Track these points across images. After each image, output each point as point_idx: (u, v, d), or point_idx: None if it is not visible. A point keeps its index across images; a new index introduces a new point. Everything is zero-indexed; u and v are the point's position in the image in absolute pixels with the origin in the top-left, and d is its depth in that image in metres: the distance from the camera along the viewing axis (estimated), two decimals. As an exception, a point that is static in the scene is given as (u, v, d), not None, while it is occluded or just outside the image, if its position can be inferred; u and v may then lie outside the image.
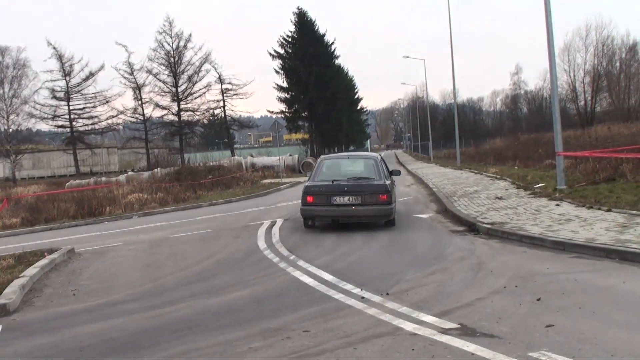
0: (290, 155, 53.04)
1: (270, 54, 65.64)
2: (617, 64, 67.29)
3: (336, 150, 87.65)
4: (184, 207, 24.92)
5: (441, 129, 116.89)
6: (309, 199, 14.06)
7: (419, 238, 12.07)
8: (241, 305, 7.68)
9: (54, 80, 57.77)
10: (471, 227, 12.72)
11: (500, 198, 17.00)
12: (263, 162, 49.24)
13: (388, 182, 14.26)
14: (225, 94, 60.91)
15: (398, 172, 16.72)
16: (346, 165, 15.92)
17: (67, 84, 58.16)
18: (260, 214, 19.22)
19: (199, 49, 59.74)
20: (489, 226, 12.11)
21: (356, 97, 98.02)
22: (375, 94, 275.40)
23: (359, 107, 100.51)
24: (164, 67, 56.89)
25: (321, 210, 13.99)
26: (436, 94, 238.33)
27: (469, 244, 10.91)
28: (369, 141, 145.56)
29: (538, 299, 6.81)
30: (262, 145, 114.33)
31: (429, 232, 12.75)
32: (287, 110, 67.32)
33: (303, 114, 68.18)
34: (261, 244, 12.77)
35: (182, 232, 16.25)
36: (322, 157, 16.79)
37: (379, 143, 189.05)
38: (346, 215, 13.88)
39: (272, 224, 15.93)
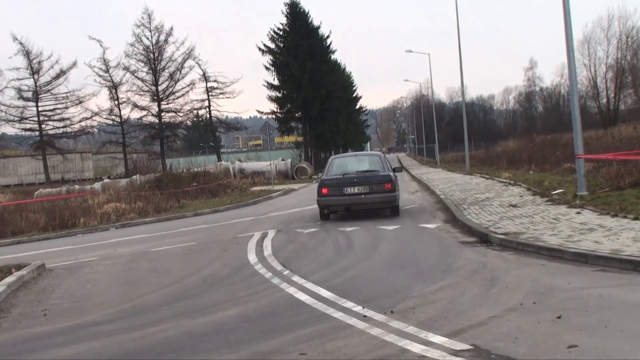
0: (283, 160, 53.08)
1: (260, 49, 65.72)
2: (644, 58, 67.37)
3: (333, 154, 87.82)
4: (166, 218, 24.90)
5: (448, 130, 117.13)
6: (324, 190, 17.99)
7: (426, 250, 12.06)
8: (230, 325, 7.65)
9: (21, 79, 57.92)
10: (483, 238, 12.70)
11: (514, 206, 17.00)
12: (252, 167, 49.27)
13: (391, 173, 18.23)
14: (210, 93, 61.05)
15: (400, 169, 21.10)
16: (354, 162, 19.83)
17: (36, 83, 58.26)
18: (250, 225, 19.20)
19: (181, 43, 59.77)
20: (502, 237, 12.10)
21: (354, 95, 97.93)
22: (376, 92, 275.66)
23: (357, 107, 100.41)
24: (142, 64, 57.08)
25: (335, 199, 17.89)
26: (442, 92, 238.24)
27: (481, 257, 10.89)
28: (368, 144, 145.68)
29: (559, 317, 6.79)
30: (252, 149, 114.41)
31: (437, 244, 12.73)
32: (278, 110, 67.32)
33: (296, 114, 68.16)
34: (252, 257, 12.75)
35: (165, 245, 16.22)
36: (332, 157, 21.08)
37: (380, 146, 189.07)
38: (356, 203, 17.79)
39: (264, 236, 15.91)
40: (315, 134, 68.10)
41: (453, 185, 27.55)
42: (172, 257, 13.97)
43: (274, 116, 67.47)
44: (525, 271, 9.39)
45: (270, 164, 43.83)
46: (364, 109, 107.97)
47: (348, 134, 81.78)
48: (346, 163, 19.76)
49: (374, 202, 17.75)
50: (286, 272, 10.80)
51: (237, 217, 22.57)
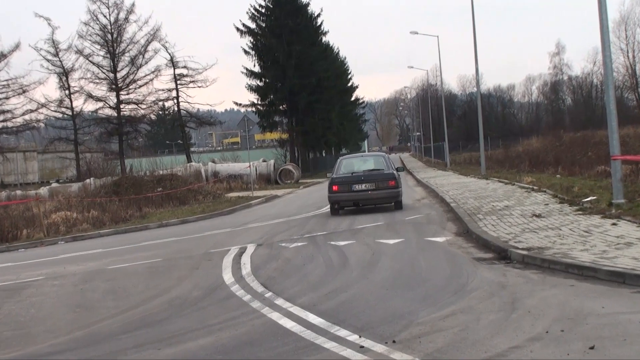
0: (264, 161, 53.05)
1: (238, 29, 65.78)
2: (690, 41, 67.69)
3: (324, 155, 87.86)
4: (125, 230, 24.87)
5: (460, 126, 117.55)
6: (335, 188, 23.05)
7: (434, 268, 12.06)
8: (202, 357, 7.63)
9: (-49, 65, 57.38)
10: (501, 254, 12.72)
11: (538, 216, 17.04)
12: (228, 169, 49.25)
13: (395, 172, 23.55)
14: (179, 81, 60.89)
15: (402, 169, 27.79)
16: (360, 162, 25.60)
17: (-31, 69, 57.79)
18: (225, 238, 19.21)
19: (144, 22, 59.42)
20: (524, 252, 12.11)
21: (350, 84, 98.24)
22: (375, 81, 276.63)
23: (353, 98, 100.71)
24: (98, 46, 56.74)
25: (344, 195, 23.09)
26: (453, 82, 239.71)
27: (499, 276, 10.90)
28: (366, 142, 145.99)
29: (592, 347, 6.80)
30: (227, 148, 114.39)
31: (447, 261, 12.74)
32: (259, 101, 67.35)
33: (280, 107, 68.20)
34: (227, 277, 12.74)
35: (124, 262, 16.20)
36: (340, 158, 26.81)
37: (380, 144, 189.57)
38: (364, 198, 23.08)
39: (242, 251, 15.91)
40: (302, 131, 68.12)
41: (466, 191, 27.63)
42: (132, 277, 13.94)
43: (254, 109, 67.50)
44: (552, 293, 9.40)
45: (250, 166, 43.78)
46: (360, 101, 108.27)
47: (342, 130, 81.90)
48: (353, 163, 25.31)
49: (379, 198, 23.03)
50: (268, 294, 10.78)
51: (210, 228, 22.59)
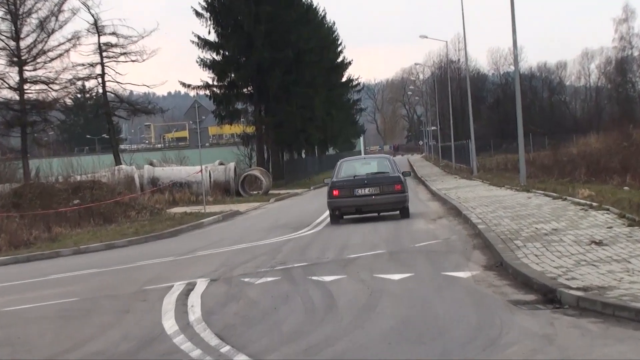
0: (222, 164, 53.01)
1: (187, -18, 65.74)
2: None
3: (304, 156, 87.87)
4: (28, 257, 24.85)
5: (492, 118, 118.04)
6: (335, 192, 27.28)
7: (454, 315, 12.05)
8: None
9: None
10: (548, 296, 12.71)
11: (599, 243, 17.05)
12: (172, 175, 49.20)
13: (401, 175, 27.95)
14: (105, 53, 60.75)
15: (409, 174, 32.71)
16: (362, 164, 30.68)
17: None
18: (166, 271, 19.22)
19: (58, -28, 59.38)
20: (579, 294, 12.10)
21: (340, 59, 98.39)
22: (375, 55, 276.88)
23: (344, 79, 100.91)
24: (-6, 5, 56.57)
25: (346, 201, 27.42)
26: (482, 58, 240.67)
27: (545, 326, 10.89)
28: (362, 139, 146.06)
29: None
30: (171, 146, 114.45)
31: (472, 304, 12.74)
32: (215, 82, 67.23)
33: (245, 90, 68.15)
34: (169, 324, 12.69)
35: (25, 302, 16.17)
36: (340, 160, 31.38)
37: (381, 142, 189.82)
38: (367, 204, 27.34)
39: (189, 289, 15.86)
40: (274, 122, 67.98)
41: (499, 208, 27.71)
42: (37, 323, 13.89)
43: (208, 92, 67.39)
44: (617, 350, 9.40)
45: (201, 171, 43.68)
46: (355, 82, 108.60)
47: (329, 122, 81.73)
48: (354, 166, 30.29)
49: (384, 203, 27.46)
50: (225, 348, 10.73)
51: (146, 256, 22.57)
